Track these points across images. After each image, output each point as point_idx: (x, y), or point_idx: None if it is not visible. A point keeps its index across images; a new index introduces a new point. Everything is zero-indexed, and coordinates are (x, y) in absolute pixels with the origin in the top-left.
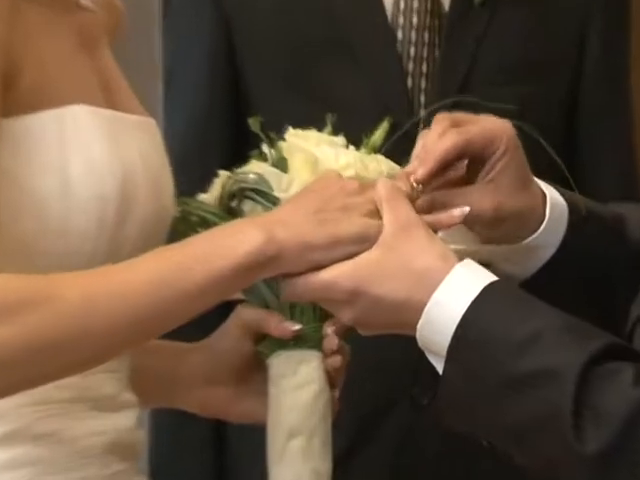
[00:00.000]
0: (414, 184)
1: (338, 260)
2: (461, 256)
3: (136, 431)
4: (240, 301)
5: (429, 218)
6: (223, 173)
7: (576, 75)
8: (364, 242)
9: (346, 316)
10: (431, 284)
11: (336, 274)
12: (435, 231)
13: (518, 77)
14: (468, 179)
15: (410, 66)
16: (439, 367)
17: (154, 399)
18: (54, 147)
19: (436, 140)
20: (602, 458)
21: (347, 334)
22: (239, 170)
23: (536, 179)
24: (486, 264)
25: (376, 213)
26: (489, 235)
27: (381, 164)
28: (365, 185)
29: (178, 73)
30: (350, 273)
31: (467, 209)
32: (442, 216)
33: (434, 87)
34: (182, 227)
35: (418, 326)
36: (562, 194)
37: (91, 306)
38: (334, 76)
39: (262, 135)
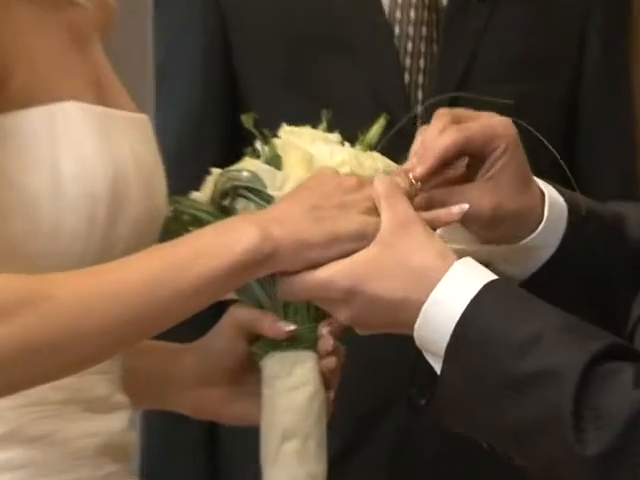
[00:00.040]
0: (413, 181)
1: (335, 258)
2: (460, 256)
3: (128, 432)
4: (233, 301)
5: (427, 215)
6: (215, 171)
7: (576, 73)
8: (362, 240)
9: (343, 315)
10: (429, 282)
11: (332, 272)
12: (434, 229)
13: (518, 74)
14: (467, 177)
15: (407, 61)
16: (437, 367)
17: (146, 400)
18: (44, 144)
19: (436, 136)
20: (603, 460)
21: (342, 335)
22: (232, 168)
23: (535, 178)
24: (485, 264)
25: (374, 210)
26: (487, 235)
27: (377, 161)
28: (363, 181)
29: (171, 68)
30: (347, 271)
31: (466, 206)
32: (441, 213)
33: (432, 83)
34: (174, 226)
35: (416, 325)
36: (562, 193)
37: (85, 306)
38: (330, 72)
39: (255, 132)
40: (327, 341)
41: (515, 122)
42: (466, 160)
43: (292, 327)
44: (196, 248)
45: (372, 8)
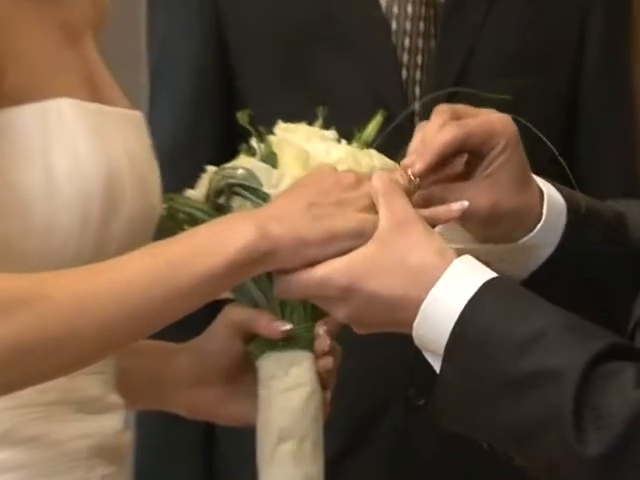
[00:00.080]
0: (412, 177)
1: (333, 256)
2: (458, 255)
3: (123, 434)
4: (229, 300)
5: (426, 212)
6: (210, 169)
7: (576, 69)
8: (359, 238)
9: (340, 313)
10: (428, 280)
11: (330, 270)
12: (433, 226)
13: (515, 69)
14: (466, 174)
15: (405, 57)
16: (436, 366)
17: (141, 401)
18: (37, 141)
19: (435, 132)
20: (604, 461)
21: (339, 335)
22: (227, 165)
23: (534, 176)
24: (483, 264)
25: (372, 208)
26: (486, 234)
27: (374, 159)
28: (361, 178)
29: (166, 67)
30: (344, 269)
31: (466, 203)
32: (440, 210)
33: (429, 79)
34: (169, 224)
35: (414, 324)
36: (561, 192)
37: (80, 306)
38: (327, 69)
39: (251, 129)
40: (324, 341)
41: (514, 119)
42: (465, 158)
43: (288, 326)
44: (192, 247)
45: (368, 3)
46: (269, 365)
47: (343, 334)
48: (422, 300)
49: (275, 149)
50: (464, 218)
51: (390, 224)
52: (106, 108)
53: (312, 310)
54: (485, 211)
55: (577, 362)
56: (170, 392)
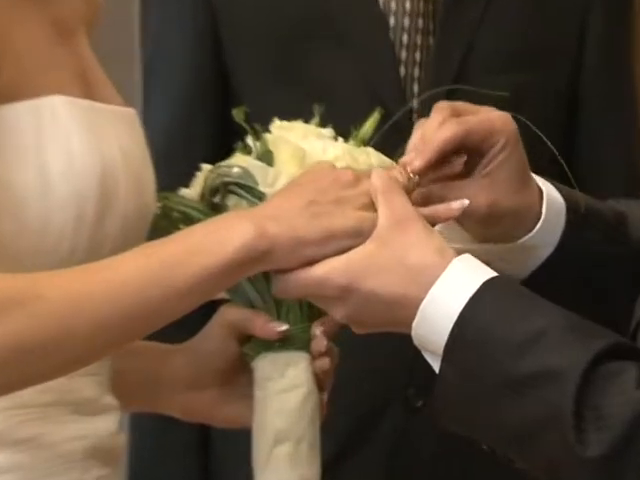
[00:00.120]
0: (411, 175)
1: (331, 255)
2: (457, 254)
3: (117, 436)
4: (224, 301)
5: (426, 211)
6: (205, 167)
7: (575, 67)
8: (358, 237)
9: (339, 313)
10: (427, 280)
11: (328, 269)
12: (433, 225)
13: (514, 65)
14: (465, 173)
15: (403, 54)
16: (436, 366)
17: (136, 402)
18: (31, 139)
19: (435, 129)
20: (604, 461)
21: (338, 334)
22: (222, 163)
23: (534, 175)
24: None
25: (371, 206)
26: (484, 233)
27: (371, 157)
28: (359, 176)
29: (160, 64)
30: (343, 268)
31: (466, 202)
32: (440, 208)
33: (428, 76)
34: (163, 223)
35: (414, 324)
36: (560, 191)
37: (74, 306)
38: (324, 65)
39: (247, 127)
40: (320, 341)
41: (514, 117)
42: (464, 158)
43: (284, 327)
44: (187, 246)
45: None
46: (265, 366)
47: (342, 334)
48: (421, 300)
49: (271, 147)
50: (463, 217)
51: (389, 222)
52: (100, 105)
53: (308, 310)
54: (484, 210)
55: (578, 362)
56: (165, 394)
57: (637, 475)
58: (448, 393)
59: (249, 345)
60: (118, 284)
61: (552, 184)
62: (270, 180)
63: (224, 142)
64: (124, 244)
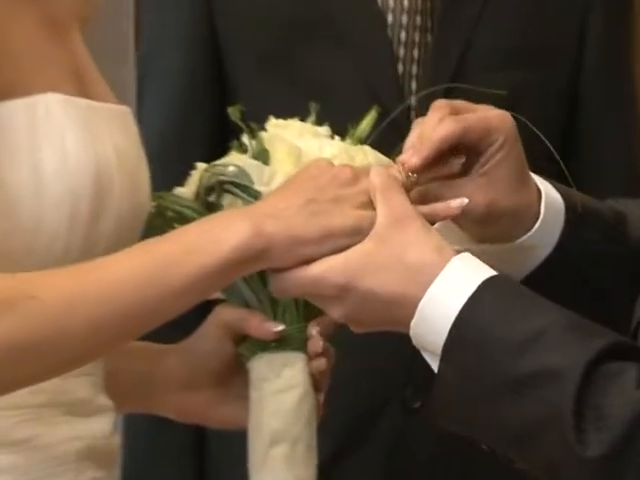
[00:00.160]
0: (409, 173)
1: (329, 254)
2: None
3: (112, 437)
4: (219, 301)
5: (425, 209)
6: (200, 166)
7: (575, 67)
8: (356, 235)
9: (336, 312)
10: (426, 279)
11: (326, 268)
12: (432, 223)
13: (513, 63)
14: (463, 171)
15: (401, 51)
16: (434, 366)
17: (130, 403)
18: (24, 137)
19: (433, 127)
20: (604, 461)
21: (335, 334)
22: (218, 162)
23: (532, 174)
24: None
25: (369, 204)
26: (482, 233)
27: (368, 156)
28: (358, 174)
29: (155, 64)
30: (341, 267)
31: (466, 200)
32: (439, 207)
33: (426, 73)
34: (158, 222)
35: (412, 323)
36: (558, 190)
37: (68, 306)
38: (320, 63)
39: (242, 125)
40: (317, 342)
41: (513, 116)
42: (463, 159)
43: (281, 327)
44: (182, 245)
45: None
46: (261, 367)
47: (340, 333)
48: (420, 299)
49: (267, 146)
50: (461, 216)
51: (388, 220)
52: (94, 103)
53: (305, 310)
54: (482, 209)
55: (578, 361)
56: (159, 394)
57: (637, 475)
58: (447, 393)
59: (245, 345)
60: (113, 284)
61: (550, 183)
62: (266, 179)
63: (220, 142)
64: (118, 243)
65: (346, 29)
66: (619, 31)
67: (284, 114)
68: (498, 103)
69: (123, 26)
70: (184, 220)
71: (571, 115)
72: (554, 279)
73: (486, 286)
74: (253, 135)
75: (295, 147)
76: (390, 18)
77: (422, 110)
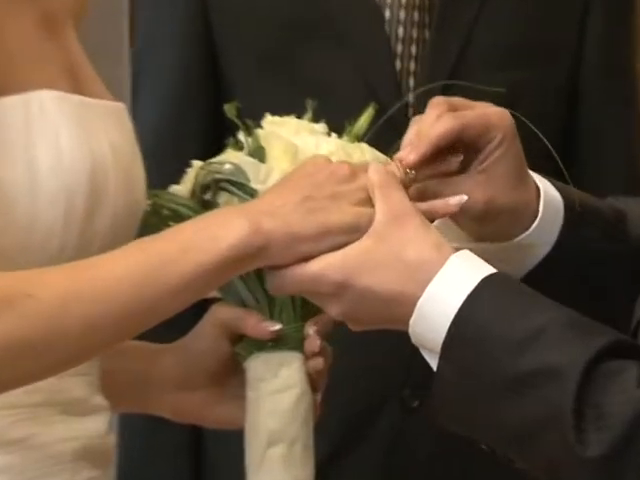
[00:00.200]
0: (407, 170)
1: (327, 251)
2: None
3: (108, 437)
4: (216, 300)
5: (424, 206)
6: (196, 163)
7: (576, 61)
8: (355, 232)
9: (334, 310)
10: (425, 277)
11: (324, 265)
12: (431, 220)
13: (512, 60)
14: (461, 168)
15: (398, 47)
16: (433, 364)
17: (125, 403)
18: (19, 134)
19: (431, 124)
20: (604, 461)
21: (334, 332)
22: (213, 160)
23: (531, 172)
24: None
25: (368, 201)
26: (481, 231)
27: (365, 153)
28: (356, 170)
29: (150, 61)
30: (339, 264)
31: (465, 197)
32: (437, 204)
33: (424, 70)
34: (153, 220)
35: (411, 321)
36: (557, 188)
37: (64, 305)
38: (317, 59)
39: (238, 122)
40: (314, 341)
41: (511, 113)
42: (461, 157)
43: (277, 327)
44: (178, 243)
45: None
46: (257, 366)
47: (338, 331)
48: (418, 297)
49: (263, 143)
50: (459, 213)
51: (386, 217)
52: (88, 100)
53: (302, 310)
54: (480, 206)
55: (578, 360)
56: (155, 394)
57: (637, 475)
58: (446, 391)
59: (241, 345)
60: (108, 282)
61: (549, 181)
62: (262, 176)
63: (215, 139)
64: (114, 241)
65: (346, 29)
66: (619, 31)
67: (281, 111)
68: (497, 100)
69: (118, 23)
70: (180, 218)
71: (570, 113)
72: (553, 278)
73: (485, 284)
74: (249, 132)
75: (291, 144)
76: (387, 14)
77: (420, 107)
